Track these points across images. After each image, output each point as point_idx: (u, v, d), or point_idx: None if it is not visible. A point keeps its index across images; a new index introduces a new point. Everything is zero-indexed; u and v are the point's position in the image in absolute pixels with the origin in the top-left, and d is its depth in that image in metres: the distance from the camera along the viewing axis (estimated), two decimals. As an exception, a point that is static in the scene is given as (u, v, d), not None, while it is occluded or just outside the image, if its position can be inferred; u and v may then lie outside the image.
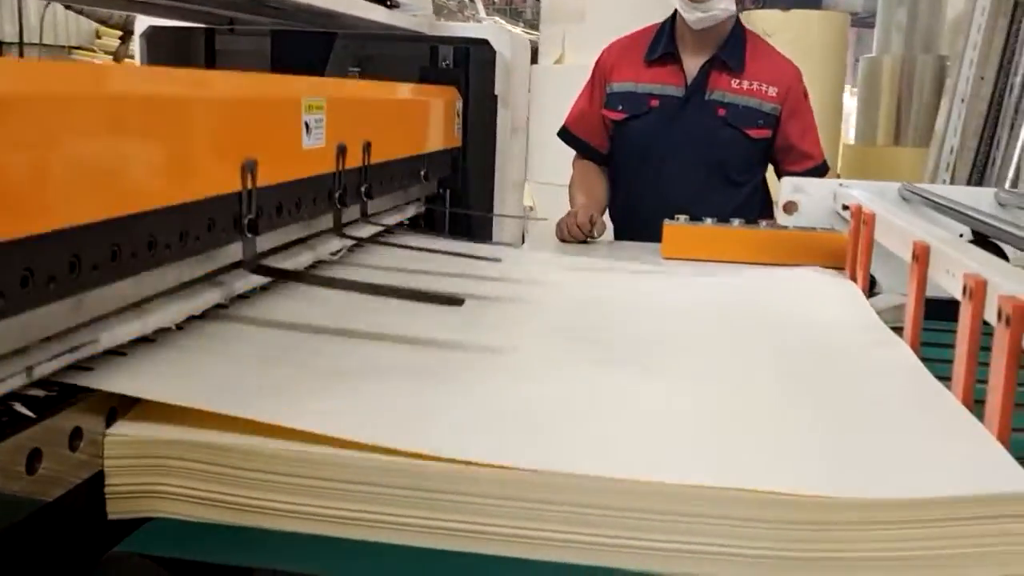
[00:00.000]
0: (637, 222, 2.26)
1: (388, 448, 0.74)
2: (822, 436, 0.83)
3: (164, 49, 2.12)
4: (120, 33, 7.47)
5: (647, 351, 1.09)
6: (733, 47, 2.23)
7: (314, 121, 1.10)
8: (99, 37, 7.80)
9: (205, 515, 0.76)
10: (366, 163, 1.29)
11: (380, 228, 1.44)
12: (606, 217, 2.34)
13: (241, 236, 0.95)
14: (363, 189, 1.29)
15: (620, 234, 2.37)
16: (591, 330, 1.18)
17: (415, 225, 1.71)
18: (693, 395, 0.94)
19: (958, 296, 0.96)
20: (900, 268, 1.61)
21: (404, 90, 1.58)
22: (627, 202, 2.35)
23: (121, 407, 0.79)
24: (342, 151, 1.20)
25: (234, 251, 0.96)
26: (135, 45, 2.19)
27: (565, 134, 2.41)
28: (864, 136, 5.04)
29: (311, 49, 2.04)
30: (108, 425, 0.78)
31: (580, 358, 1.05)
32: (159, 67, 0.91)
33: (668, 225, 1.97)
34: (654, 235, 2.00)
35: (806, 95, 2.29)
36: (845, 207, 1.73)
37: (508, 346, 1.07)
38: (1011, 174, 3.74)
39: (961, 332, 0.93)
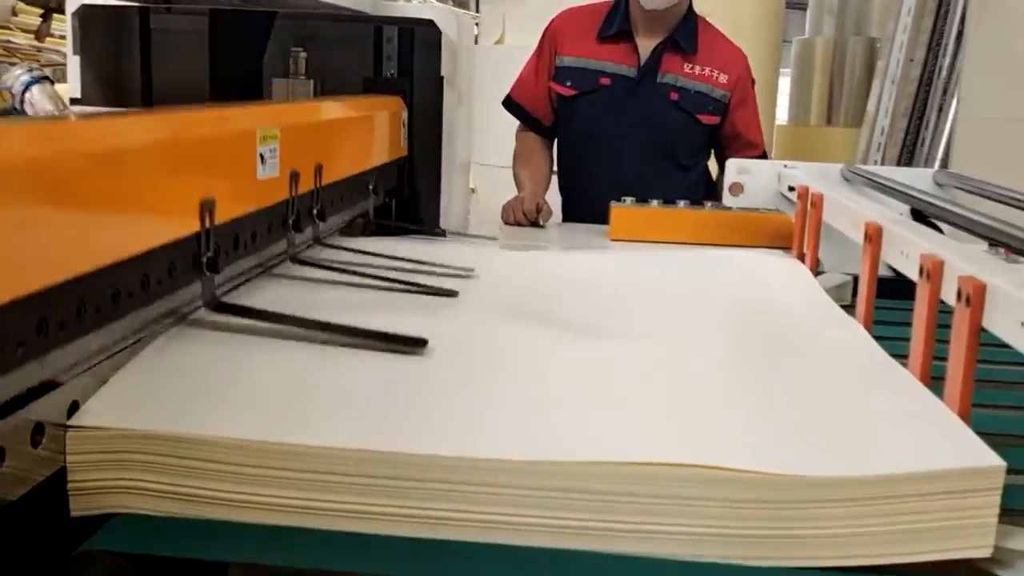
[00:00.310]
0: (586, 203, 2.26)
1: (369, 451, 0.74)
2: (781, 414, 0.84)
3: (97, 28, 2.05)
4: (41, 11, 7.22)
5: (594, 333, 1.10)
6: (687, 30, 2.24)
7: (268, 152, 1.08)
8: (15, 15, 7.52)
9: (172, 510, 0.74)
10: (318, 186, 1.27)
11: (334, 249, 1.42)
12: (555, 195, 2.34)
13: (200, 275, 0.93)
14: (315, 211, 1.27)
15: (568, 214, 2.37)
16: (539, 311, 1.18)
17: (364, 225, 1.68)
18: (647, 375, 0.95)
19: (913, 277, 0.98)
20: (842, 248, 1.64)
21: (350, 107, 1.56)
22: (576, 182, 2.35)
23: (83, 402, 0.77)
24: (295, 177, 1.18)
25: (193, 290, 0.95)
26: (66, 24, 2.12)
27: (509, 103, 2.39)
28: (797, 117, 5.12)
29: (251, 29, 2.00)
30: (69, 418, 0.75)
31: (532, 342, 1.05)
32: (105, 115, 0.88)
33: (615, 207, 1.98)
34: (601, 216, 2.01)
35: (753, 83, 2.32)
36: (791, 188, 1.75)
37: (460, 334, 1.06)
38: (940, 153, 3.84)
39: (918, 312, 0.95)
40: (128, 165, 0.82)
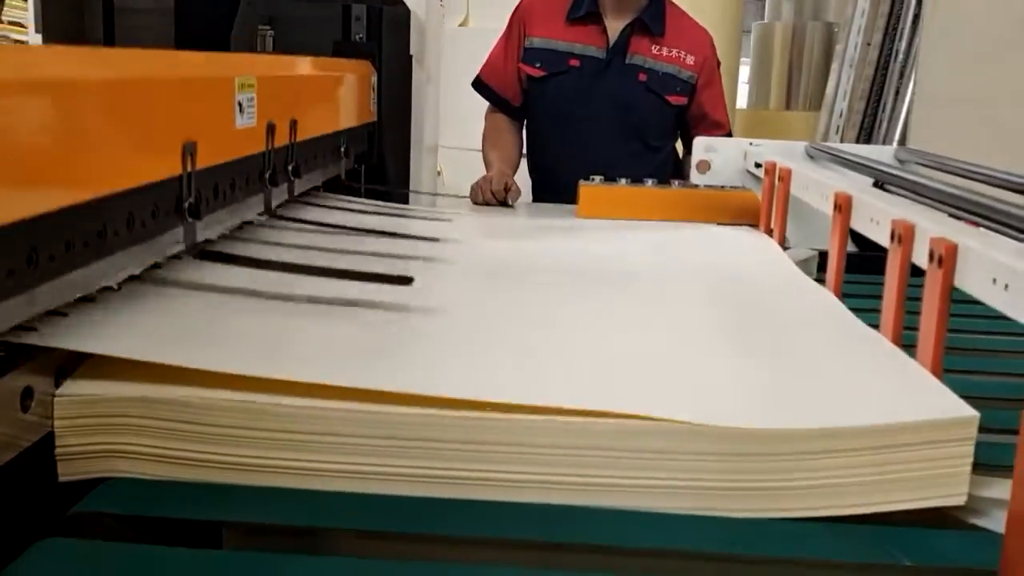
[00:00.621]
0: (555, 183, 2.27)
1: (362, 391, 0.74)
2: (758, 372, 0.86)
3: (59, 6, 2.03)
4: (-9, -6, 7.08)
5: (572, 300, 1.12)
6: (655, 12, 2.25)
7: (246, 100, 1.08)
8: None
9: (163, 473, 0.75)
10: (293, 141, 1.27)
11: (310, 207, 1.42)
12: (524, 177, 2.35)
13: (182, 221, 0.93)
14: (290, 168, 1.27)
15: (538, 194, 2.38)
16: (520, 279, 1.20)
17: (335, 188, 1.69)
18: (627, 338, 0.97)
19: (884, 243, 1.00)
20: (807, 223, 1.67)
21: (322, 65, 1.56)
22: (545, 163, 2.36)
23: (69, 366, 0.77)
24: (271, 130, 1.18)
25: (174, 237, 0.95)
26: (28, 5, 2.08)
27: (478, 84, 2.40)
28: (757, 100, 5.18)
29: (217, 7, 1.98)
30: (57, 386, 0.75)
31: (516, 307, 1.06)
32: (86, 48, 0.88)
33: (584, 185, 2.00)
34: (571, 196, 2.03)
35: (719, 64, 2.34)
36: (758, 165, 1.78)
37: (445, 304, 1.07)
38: (897, 135, 3.90)
39: (889, 276, 0.97)
40: (117, 96, 0.82)
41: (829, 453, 0.73)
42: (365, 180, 1.71)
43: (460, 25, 4.27)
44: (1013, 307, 0.72)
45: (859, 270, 1.36)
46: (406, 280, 0.96)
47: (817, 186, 1.32)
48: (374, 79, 1.81)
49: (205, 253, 0.98)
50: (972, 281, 0.79)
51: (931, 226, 0.90)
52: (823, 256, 1.55)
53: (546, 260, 1.34)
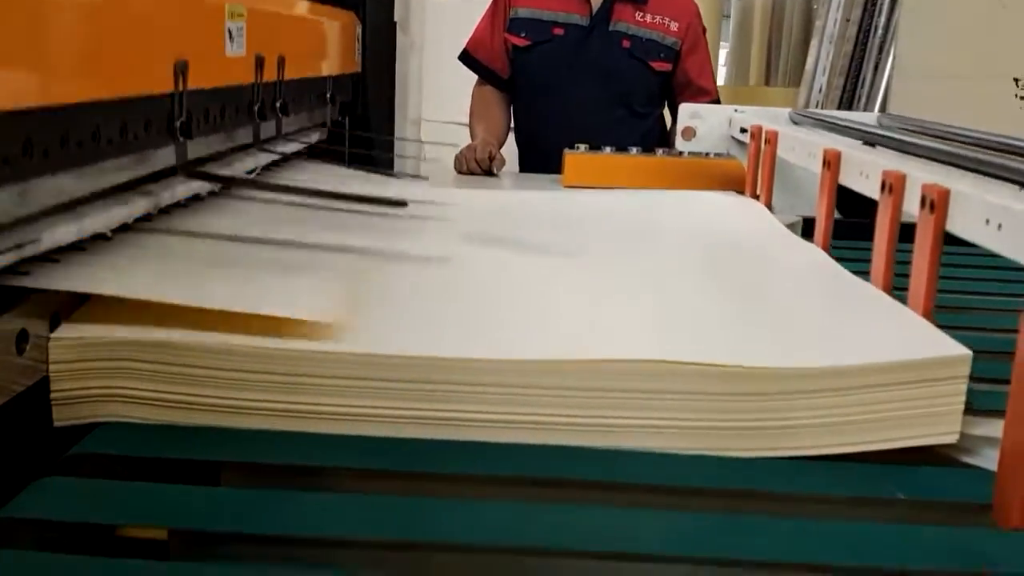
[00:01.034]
0: (541, 152, 2.27)
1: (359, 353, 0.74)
2: (752, 316, 0.87)
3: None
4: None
5: (571, 253, 1.12)
6: None
7: (236, 29, 1.07)
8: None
9: (158, 416, 0.74)
10: (280, 78, 1.26)
11: (300, 145, 1.41)
12: (512, 150, 2.35)
13: (173, 140, 0.92)
14: (278, 104, 1.26)
15: (524, 164, 2.39)
16: (512, 235, 1.20)
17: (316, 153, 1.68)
18: (625, 287, 0.97)
19: (874, 195, 1.01)
20: (791, 191, 1.68)
21: (309, 8, 1.55)
22: (531, 132, 2.37)
23: (63, 311, 0.76)
24: (260, 63, 1.17)
25: (166, 157, 0.93)
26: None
27: (466, 57, 2.40)
28: (737, 76, 5.20)
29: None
30: (52, 330, 0.75)
31: (513, 259, 1.07)
32: None
33: (569, 154, 2.00)
34: (558, 166, 2.03)
35: (704, 31, 2.35)
36: (743, 130, 1.79)
37: (444, 255, 1.08)
38: (876, 110, 3.92)
39: (880, 228, 0.98)
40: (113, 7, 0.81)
41: (823, 392, 0.74)
42: (349, 135, 1.70)
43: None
44: (1007, 246, 0.73)
45: (845, 236, 1.37)
46: (400, 203, 0.96)
47: (804, 145, 1.33)
48: (359, 30, 1.80)
49: (196, 173, 0.97)
50: (965, 224, 0.80)
51: (922, 175, 0.91)
52: (807, 222, 1.57)
53: (530, 219, 1.35)
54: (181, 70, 0.90)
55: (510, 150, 2.37)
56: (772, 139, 1.50)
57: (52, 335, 0.74)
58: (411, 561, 0.60)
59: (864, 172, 1.06)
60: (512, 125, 2.43)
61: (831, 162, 1.16)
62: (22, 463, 0.69)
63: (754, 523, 0.65)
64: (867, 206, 1.72)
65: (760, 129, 1.59)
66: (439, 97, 3.06)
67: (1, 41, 0.63)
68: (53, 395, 0.74)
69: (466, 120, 2.44)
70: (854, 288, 0.97)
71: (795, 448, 0.74)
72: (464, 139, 2.34)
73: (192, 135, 0.93)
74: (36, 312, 0.73)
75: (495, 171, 2.15)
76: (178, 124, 0.91)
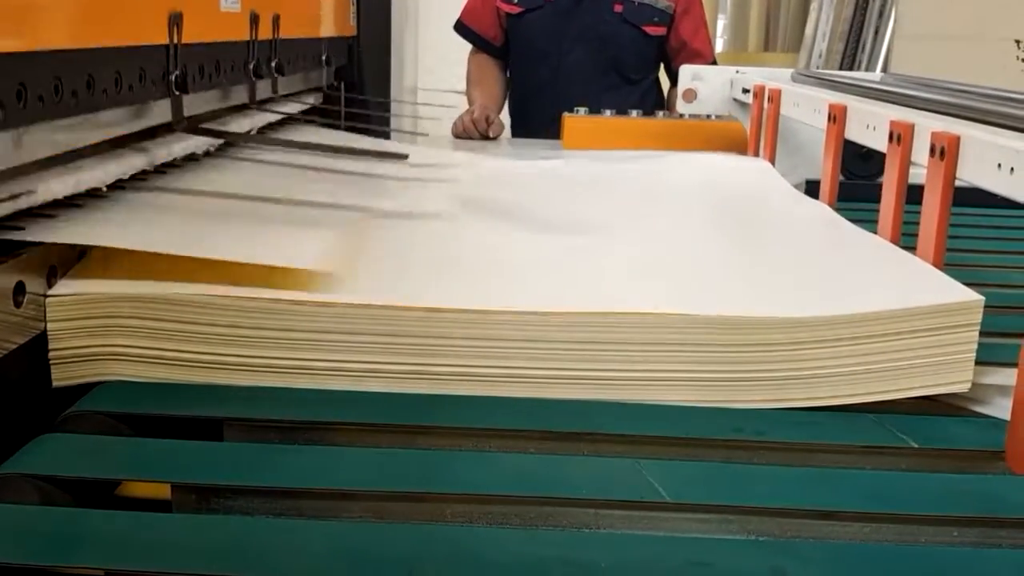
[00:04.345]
0: (535, 120, 2.26)
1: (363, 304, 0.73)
2: (765, 270, 0.86)
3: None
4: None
5: (578, 210, 1.11)
6: None
7: None
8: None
9: (157, 375, 0.73)
10: (276, 36, 1.24)
11: (299, 106, 1.39)
12: (505, 116, 2.34)
13: (169, 94, 0.90)
14: (274, 64, 1.24)
15: (517, 132, 2.37)
16: (517, 195, 1.19)
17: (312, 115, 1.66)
18: (635, 244, 0.96)
19: (881, 147, 1.00)
20: (794, 152, 1.66)
21: None
22: (524, 99, 2.35)
23: (60, 267, 0.75)
24: (255, 20, 1.15)
25: (161, 113, 0.92)
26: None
27: (460, 27, 2.39)
28: (735, 43, 5.15)
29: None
30: (49, 286, 0.73)
31: (518, 218, 1.05)
32: None
33: (568, 117, 1.98)
34: (552, 133, 2.01)
35: None
36: (745, 91, 1.76)
37: (445, 212, 1.06)
38: (878, 72, 3.89)
39: (888, 179, 0.97)
40: None
41: (833, 341, 0.73)
42: (345, 99, 1.68)
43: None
44: (1020, 190, 0.72)
45: (848, 199, 1.36)
46: (402, 156, 0.95)
47: (809, 101, 1.31)
48: None
49: (194, 128, 0.95)
50: (975, 170, 0.79)
51: (931, 122, 0.89)
52: (810, 185, 1.55)
53: (535, 179, 1.33)
54: (175, 22, 0.88)
55: (505, 118, 2.36)
56: (775, 97, 1.48)
57: (49, 292, 0.73)
58: (418, 512, 0.59)
59: (871, 124, 1.04)
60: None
61: (837, 116, 1.14)
62: (20, 421, 0.68)
63: (766, 472, 0.64)
64: (868, 172, 1.72)
65: (763, 88, 1.57)
66: (436, 65, 3.04)
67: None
68: (52, 354, 0.73)
69: (462, 88, 2.43)
70: (863, 240, 0.96)
71: (807, 399, 0.73)
72: (460, 108, 2.33)
73: (188, 89, 0.91)
74: (32, 267, 0.72)
75: (492, 135, 2.13)
76: (173, 77, 0.89)
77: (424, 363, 0.73)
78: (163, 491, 0.61)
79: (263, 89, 1.25)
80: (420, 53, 2.92)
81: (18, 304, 0.69)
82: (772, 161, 1.53)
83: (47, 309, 0.72)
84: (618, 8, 2.22)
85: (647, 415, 0.71)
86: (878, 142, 1.01)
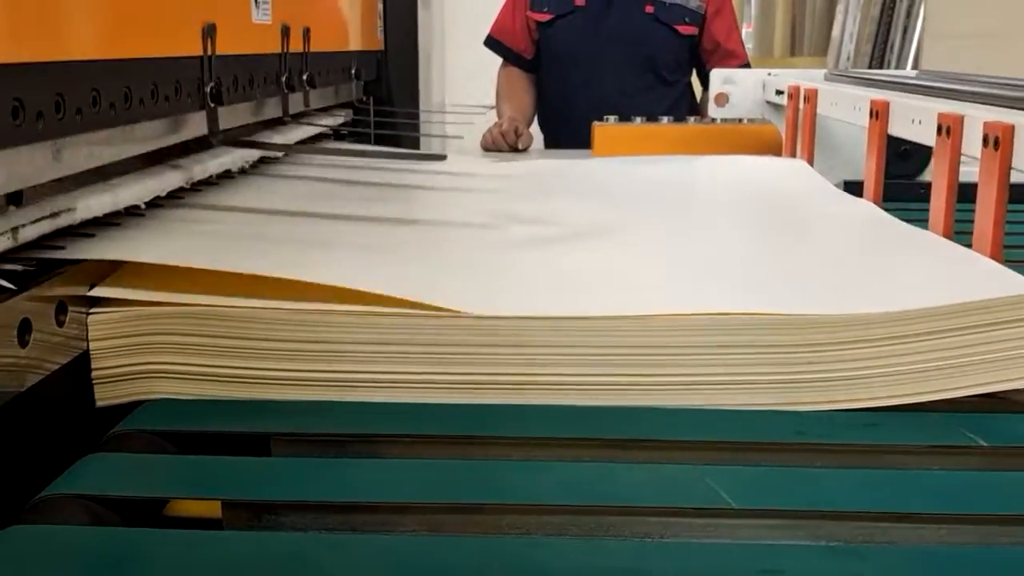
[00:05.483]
0: (567, 128, 2.25)
1: (410, 302, 0.71)
2: (817, 269, 0.84)
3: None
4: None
5: (620, 215, 1.09)
6: None
7: None
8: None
9: (201, 391, 0.72)
10: (307, 50, 1.23)
11: (332, 119, 1.39)
12: (538, 132, 2.33)
13: (204, 107, 0.90)
14: (305, 76, 1.23)
15: (549, 143, 2.36)
16: (555, 201, 1.17)
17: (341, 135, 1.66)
18: (682, 246, 0.94)
19: (929, 141, 0.97)
20: (829, 153, 1.63)
21: None
22: (556, 108, 2.34)
23: (101, 285, 0.74)
24: (286, 32, 1.14)
25: (197, 126, 0.91)
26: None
27: (491, 41, 2.39)
28: (761, 48, 5.12)
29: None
30: (90, 305, 0.72)
31: (559, 223, 1.04)
32: None
33: (598, 125, 1.96)
34: (583, 141, 1.99)
35: None
36: (779, 92, 1.74)
37: (481, 221, 1.05)
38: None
39: (938, 173, 0.94)
40: None
41: (893, 339, 0.70)
42: (375, 113, 1.68)
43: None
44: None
45: (887, 199, 1.33)
46: (439, 157, 0.94)
47: (848, 99, 1.29)
48: (380, 6, 1.78)
49: (232, 140, 0.95)
50: (1033, 158, 0.76)
51: (982, 113, 0.87)
52: (848, 186, 1.52)
53: (570, 182, 1.32)
54: (209, 34, 0.88)
55: (534, 132, 2.35)
56: (811, 97, 1.46)
57: (91, 310, 0.72)
58: (474, 524, 0.57)
59: (916, 119, 1.02)
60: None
61: (880, 112, 1.12)
62: (66, 441, 0.67)
63: (832, 475, 0.62)
64: (908, 171, 1.69)
65: (798, 88, 1.55)
66: (463, 81, 3.04)
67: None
68: (95, 374, 0.72)
69: (490, 103, 2.42)
70: (916, 236, 0.94)
71: (868, 400, 0.71)
72: (489, 121, 2.32)
73: (223, 101, 0.91)
74: (74, 284, 0.71)
75: (521, 147, 2.12)
76: (208, 89, 0.89)
77: (473, 373, 0.71)
78: (210, 509, 0.60)
79: (295, 103, 1.24)
80: (447, 69, 2.91)
81: (60, 323, 0.68)
82: (810, 162, 1.51)
83: (89, 328, 0.72)
84: (649, 9, 2.22)
85: (701, 420, 0.69)
86: (925, 136, 0.99)
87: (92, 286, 0.73)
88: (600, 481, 0.59)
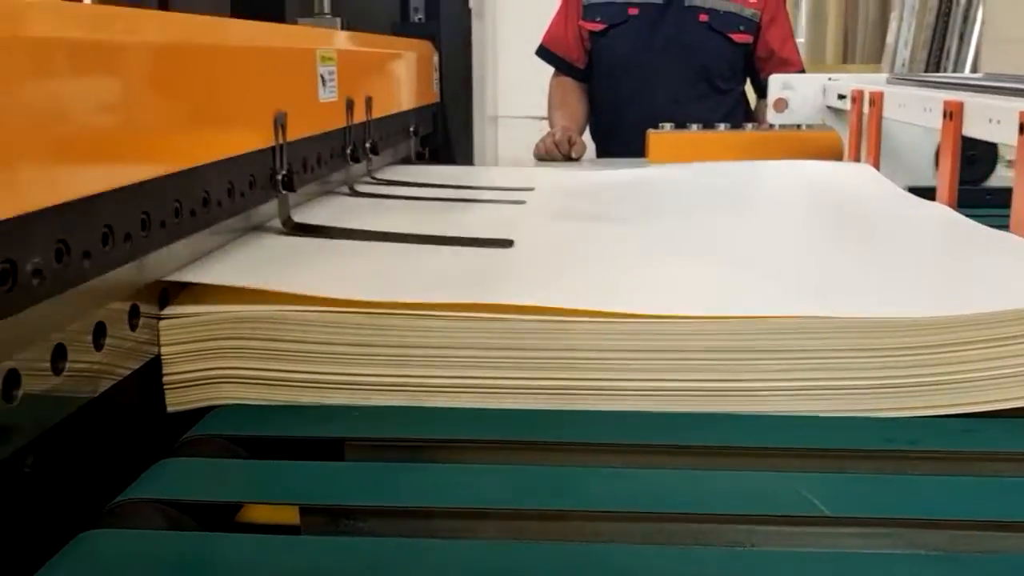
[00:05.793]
0: (620, 138, 2.23)
1: (474, 304, 0.70)
2: (904, 271, 0.81)
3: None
4: None
5: (687, 219, 1.07)
6: None
7: (328, 73, 1.06)
8: None
9: (277, 397, 0.71)
10: (369, 117, 1.24)
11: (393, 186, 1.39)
12: (587, 138, 2.32)
13: (276, 193, 0.91)
14: (368, 145, 1.24)
15: (601, 153, 2.34)
16: (624, 208, 1.16)
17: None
18: (761, 246, 0.92)
19: (1008, 140, 0.94)
20: (891, 158, 1.59)
21: (390, 43, 1.55)
22: (608, 117, 2.33)
23: (172, 292, 0.74)
24: (350, 105, 1.15)
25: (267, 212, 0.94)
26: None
27: (543, 51, 2.38)
28: (813, 56, 5.06)
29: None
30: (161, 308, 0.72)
31: (627, 228, 1.02)
32: (173, 13, 0.88)
33: (653, 133, 1.94)
34: (636, 150, 1.97)
35: (784, 1, 2.28)
36: (841, 97, 1.71)
37: (545, 238, 1.04)
38: (965, 81, 3.78)
39: (1020, 172, 0.91)
40: (220, 63, 0.81)
41: (984, 342, 0.68)
42: (432, 161, 1.70)
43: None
44: None
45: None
46: (506, 243, 0.93)
47: (918, 100, 1.25)
48: (436, 59, 1.79)
49: (299, 226, 0.95)
50: None
51: (1068, 110, 0.84)
52: (912, 192, 1.49)
53: (630, 189, 1.30)
54: (281, 123, 0.89)
55: (589, 141, 2.33)
56: (877, 100, 1.43)
57: (162, 313, 0.72)
58: (557, 531, 0.55)
59: (994, 118, 0.98)
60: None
61: (954, 112, 1.09)
62: (140, 446, 0.66)
63: (928, 482, 0.59)
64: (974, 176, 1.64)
65: (862, 92, 1.52)
66: (516, 92, 3.04)
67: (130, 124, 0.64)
68: (166, 379, 0.72)
69: (541, 114, 2.42)
70: (997, 238, 0.91)
71: (960, 405, 0.68)
72: (540, 133, 2.32)
73: (295, 187, 0.92)
74: (146, 289, 0.71)
75: (575, 156, 2.11)
76: (280, 177, 0.90)
77: (553, 378, 0.70)
78: (284, 515, 0.59)
79: (357, 170, 1.26)
80: (500, 80, 2.91)
81: (133, 327, 0.68)
82: (876, 167, 1.48)
83: (160, 332, 0.71)
84: (703, 17, 2.20)
85: (786, 426, 0.67)
86: (1004, 136, 0.96)
87: (163, 291, 0.73)
88: (686, 488, 0.58)
